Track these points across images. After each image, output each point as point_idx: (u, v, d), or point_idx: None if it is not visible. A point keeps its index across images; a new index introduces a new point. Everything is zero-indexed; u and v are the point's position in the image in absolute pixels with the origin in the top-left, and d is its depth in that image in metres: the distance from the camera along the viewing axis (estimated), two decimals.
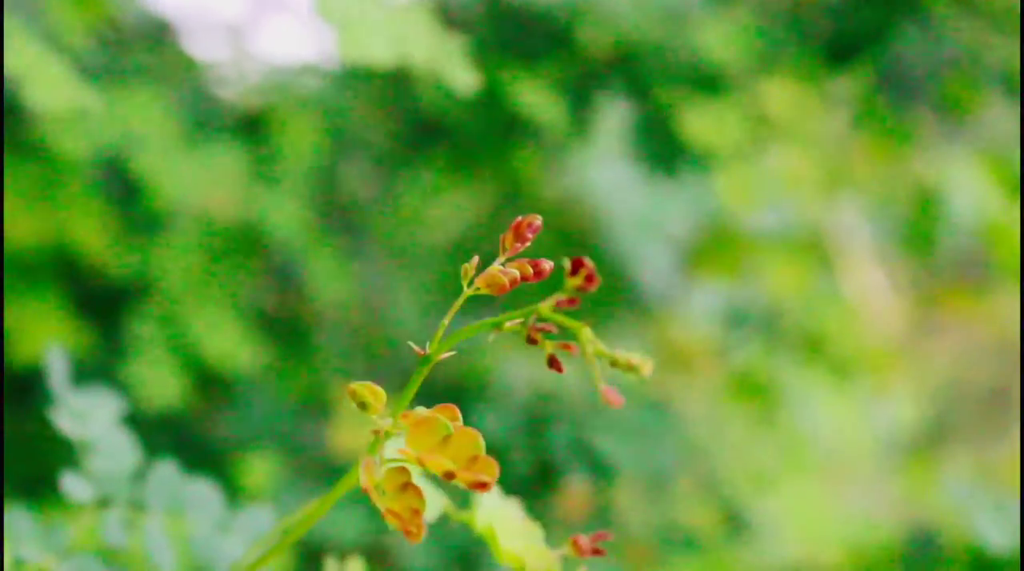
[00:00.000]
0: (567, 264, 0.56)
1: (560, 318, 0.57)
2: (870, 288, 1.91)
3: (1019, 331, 1.82)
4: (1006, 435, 2.60)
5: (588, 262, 0.55)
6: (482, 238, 1.80)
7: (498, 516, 0.66)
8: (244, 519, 0.84)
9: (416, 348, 0.63)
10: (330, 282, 1.53)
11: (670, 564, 1.51)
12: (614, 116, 1.66)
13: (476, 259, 0.65)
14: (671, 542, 1.61)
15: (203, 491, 0.83)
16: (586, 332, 0.56)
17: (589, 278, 0.55)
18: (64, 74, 0.89)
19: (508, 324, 0.58)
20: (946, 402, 2.79)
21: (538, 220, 0.65)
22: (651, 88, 1.42)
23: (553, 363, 0.57)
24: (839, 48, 1.42)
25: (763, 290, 1.77)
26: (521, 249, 0.65)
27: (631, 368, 0.55)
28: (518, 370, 1.69)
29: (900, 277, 2.25)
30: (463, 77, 0.97)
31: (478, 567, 1.41)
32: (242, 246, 1.46)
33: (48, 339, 1.29)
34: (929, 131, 1.58)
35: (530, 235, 0.64)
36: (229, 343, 1.39)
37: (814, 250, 1.79)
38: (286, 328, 1.62)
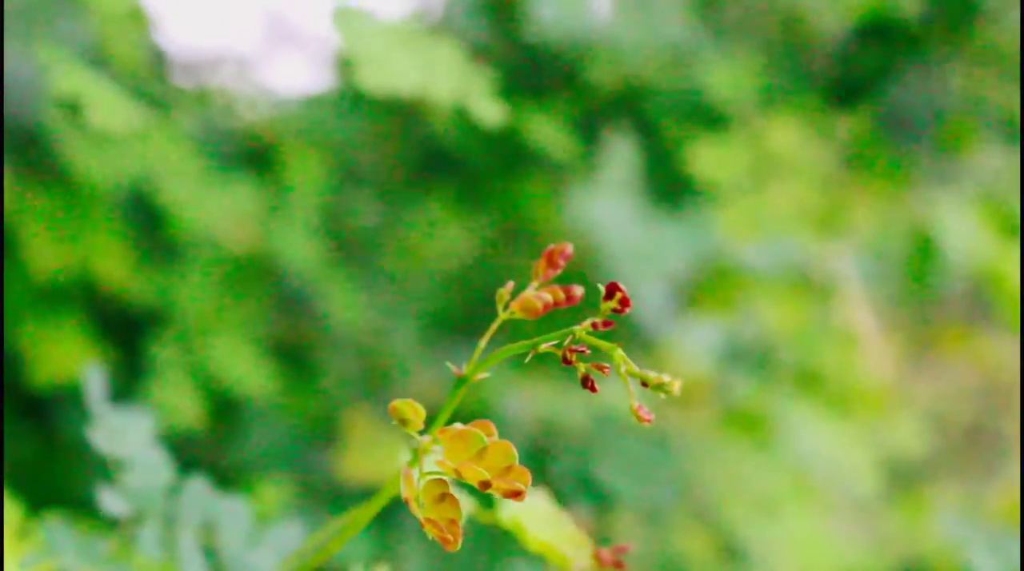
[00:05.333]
0: (602, 289, 0.59)
1: (595, 340, 0.60)
2: (862, 327, 1.94)
3: (1020, 372, 1.85)
4: (991, 472, 2.64)
5: (622, 287, 0.59)
6: (484, 270, 1.83)
7: (524, 509, 0.69)
8: (274, 534, 0.87)
9: (454, 368, 0.66)
10: (340, 311, 1.56)
11: None
12: (617, 151, 1.69)
13: (511, 284, 0.68)
14: None
15: (234, 506, 0.86)
16: (619, 353, 0.59)
17: (624, 302, 0.59)
18: (118, 97, 0.92)
19: (544, 346, 0.62)
20: (931, 439, 2.82)
21: (569, 248, 0.68)
22: (657, 125, 1.46)
23: (587, 382, 0.61)
24: (841, 89, 1.46)
25: (760, 326, 1.80)
26: (553, 276, 0.68)
27: (661, 386, 0.58)
28: (522, 402, 1.71)
29: (891, 317, 2.29)
30: (488, 110, 0.99)
31: None
32: (256, 275, 1.49)
33: (68, 362, 1.32)
34: (925, 171, 1.61)
35: (562, 262, 0.68)
36: (243, 369, 1.42)
37: (810, 287, 1.82)
38: (296, 355, 1.65)
